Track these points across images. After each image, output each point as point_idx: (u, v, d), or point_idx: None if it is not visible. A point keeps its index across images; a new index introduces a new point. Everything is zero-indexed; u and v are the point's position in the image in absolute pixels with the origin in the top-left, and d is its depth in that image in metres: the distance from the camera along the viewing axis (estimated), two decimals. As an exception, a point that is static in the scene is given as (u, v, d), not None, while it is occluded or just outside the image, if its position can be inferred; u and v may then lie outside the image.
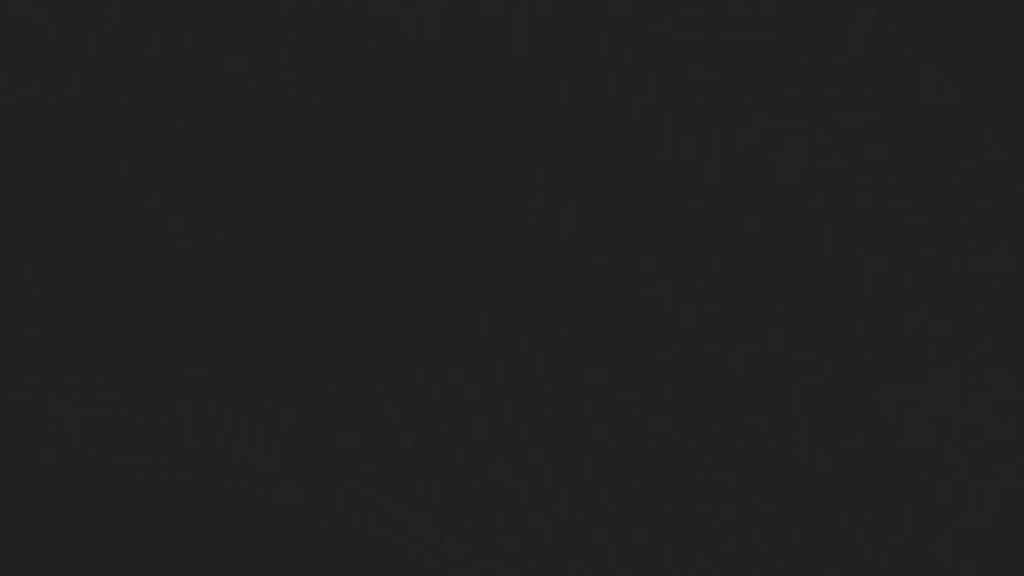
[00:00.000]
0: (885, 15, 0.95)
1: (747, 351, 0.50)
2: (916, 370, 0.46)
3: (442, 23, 0.50)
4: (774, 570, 0.45)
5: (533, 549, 0.54)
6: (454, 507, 0.61)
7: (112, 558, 0.78)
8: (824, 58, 0.98)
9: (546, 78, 0.79)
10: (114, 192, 0.85)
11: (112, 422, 0.83)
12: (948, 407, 0.44)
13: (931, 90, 0.92)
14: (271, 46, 0.66)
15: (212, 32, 0.78)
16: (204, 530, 0.79)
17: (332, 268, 0.82)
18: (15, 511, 0.77)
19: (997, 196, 0.84)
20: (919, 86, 0.93)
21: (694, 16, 1.04)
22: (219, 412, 0.88)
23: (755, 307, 0.53)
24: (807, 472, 0.45)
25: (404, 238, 0.91)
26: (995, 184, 0.86)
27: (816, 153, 0.98)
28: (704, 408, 0.49)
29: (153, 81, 0.81)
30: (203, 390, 0.88)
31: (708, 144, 1.09)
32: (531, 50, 0.81)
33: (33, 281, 0.82)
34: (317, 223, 0.84)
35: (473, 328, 0.70)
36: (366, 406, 0.95)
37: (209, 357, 0.89)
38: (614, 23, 0.91)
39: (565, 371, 0.68)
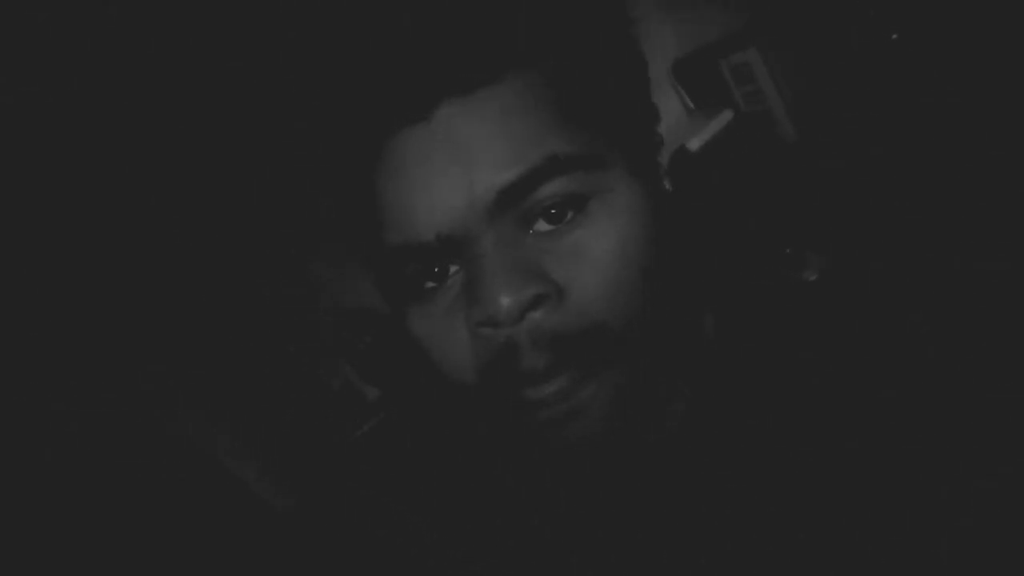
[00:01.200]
0: (885, 15, 0.95)
1: (746, 351, 0.50)
2: (915, 369, 0.46)
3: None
4: (775, 570, 0.45)
5: (533, 549, 0.54)
6: (454, 507, 0.61)
7: (112, 558, 0.78)
8: (823, 58, 0.98)
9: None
10: (114, 192, 0.85)
11: (112, 422, 0.83)
12: (948, 407, 0.45)
13: (931, 90, 0.92)
14: (271, 46, 0.67)
15: (212, 32, 0.78)
16: (203, 530, 0.80)
17: (332, 268, 0.82)
18: (15, 511, 0.77)
19: (997, 196, 0.84)
20: (919, 86, 0.93)
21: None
22: (218, 413, 0.88)
23: (755, 306, 0.53)
24: (807, 472, 0.46)
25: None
26: (995, 184, 0.86)
27: (816, 153, 0.98)
28: (703, 408, 0.50)
29: (153, 81, 0.81)
30: (203, 390, 0.88)
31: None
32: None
33: (33, 281, 0.82)
34: (317, 225, 0.84)
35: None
36: (366, 407, 0.95)
37: (209, 357, 0.89)
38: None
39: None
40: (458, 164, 0.36)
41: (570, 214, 0.38)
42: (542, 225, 0.38)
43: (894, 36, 0.89)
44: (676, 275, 0.44)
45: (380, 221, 0.39)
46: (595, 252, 0.38)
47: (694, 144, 0.87)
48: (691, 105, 0.96)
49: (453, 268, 0.39)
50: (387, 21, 0.37)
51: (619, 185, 0.38)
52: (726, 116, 0.90)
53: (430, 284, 0.40)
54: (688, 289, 0.50)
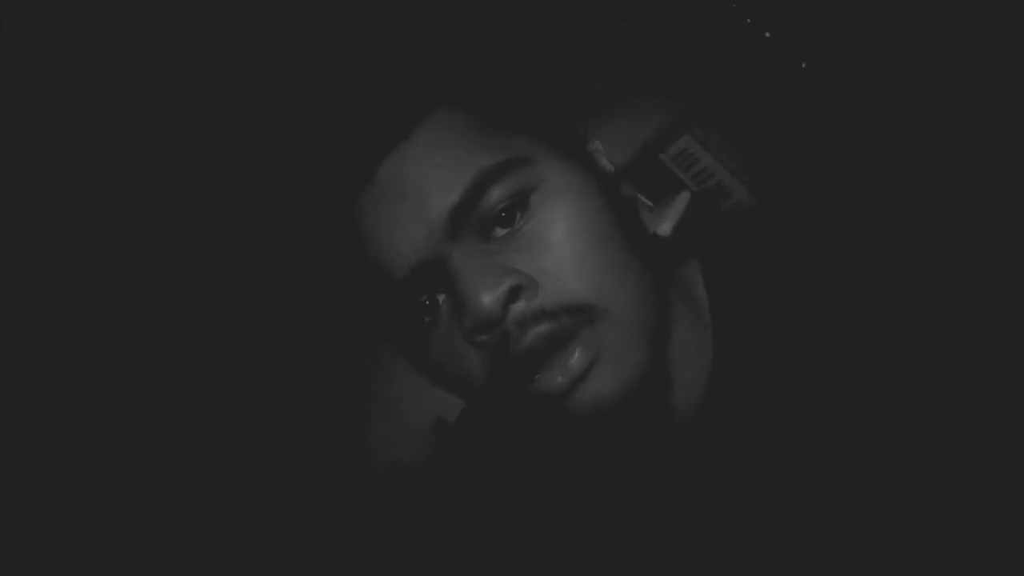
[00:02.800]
0: (886, 16, 0.96)
1: (747, 352, 0.50)
2: (915, 369, 0.46)
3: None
4: (775, 570, 0.45)
5: (533, 549, 0.54)
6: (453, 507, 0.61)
7: (112, 558, 0.78)
8: (822, 59, 0.99)
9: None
10: (114, 192, 0.85)
11: (112, 422, 0.83)
12: (948, 407, 0.45)
13: (930, 90, 0.92)
14: (271, 46, 0.67)
15: (212, 32, 0.78)
16: (203, 531, 0.80)
17: (335, 269, 0.82)
18: (15, 511, 0.77)
19: (997, 196, 0.84)
20: (917, 86, 0.94)
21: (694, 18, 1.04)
22: (218, 413, 0.88)
23: (755, 306, 0.53)
24: (808, 472, 0.46)
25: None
26: (995, 184, 0.86)
27: (816, 153, 0.99)
28: (703, 408, 0.50)
29: (153, 81, 0.81)
30: (203, 391, 0.88)
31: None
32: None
33: (33, 281, 0.82)
34: (316, 225, 0.85)
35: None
36: (367, 409, 0.95)
37: (208, 357, 0.89)
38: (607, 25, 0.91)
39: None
40: (408, 203, 0.41)
41: (519, 213, 0.42)
42: (499, 231, 0.42)
43: (803, 64, 0.93)
44: (646, 238, 0.49)
45: (369, 278, 0.44)
46: (550, 236, 0.42)
47: (665, 229, 0.92)
48: (649, 204, 1.02)
49: (441, 297, 0.44)
50: (313, 118, 0.45)
51: (551, 174, 0.43)
52: (684, 197, 0.95)
53: (427, 319, 0.45)
54: (666, 248, 0.54)
